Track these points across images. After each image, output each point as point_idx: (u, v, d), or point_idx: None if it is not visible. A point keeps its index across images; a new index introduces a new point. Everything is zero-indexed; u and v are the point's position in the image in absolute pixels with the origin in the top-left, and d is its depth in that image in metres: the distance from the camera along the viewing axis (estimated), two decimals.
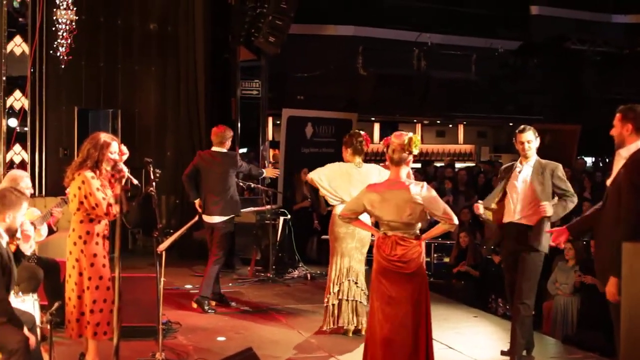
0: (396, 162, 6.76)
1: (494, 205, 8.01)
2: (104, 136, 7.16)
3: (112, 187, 7.02)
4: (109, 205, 6.88)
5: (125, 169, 7.09)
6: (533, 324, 8.19)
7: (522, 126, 7.93)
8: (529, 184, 7.75)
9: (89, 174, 6.94)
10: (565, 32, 22.18)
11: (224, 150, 10.35)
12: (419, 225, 6.72)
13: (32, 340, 5.89)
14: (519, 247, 7.79)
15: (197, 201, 10.32)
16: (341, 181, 8.77)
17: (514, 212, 7.82)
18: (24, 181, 8.10)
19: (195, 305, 10.00)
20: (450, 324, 9.59)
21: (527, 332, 7.92)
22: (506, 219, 7.92)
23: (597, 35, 22.81)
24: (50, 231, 8.48)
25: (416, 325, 6.59)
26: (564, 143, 19.39)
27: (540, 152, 7.93)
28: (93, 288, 7.00)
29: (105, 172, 7.07)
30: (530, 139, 7.80)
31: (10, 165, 12.74)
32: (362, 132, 9.05)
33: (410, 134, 6.82)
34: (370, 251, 8.25)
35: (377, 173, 8.69)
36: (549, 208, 7.56)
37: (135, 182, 7.14)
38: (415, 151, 6.75)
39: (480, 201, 8.27)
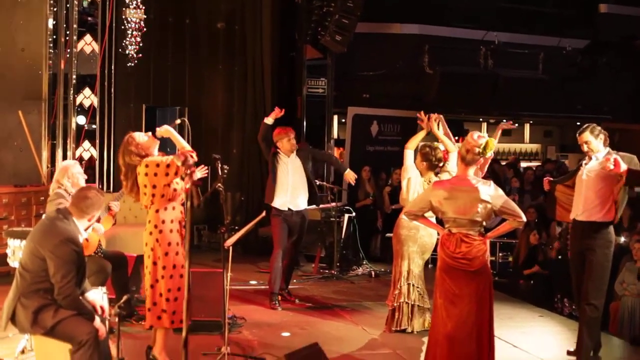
0: (468, 162, 6.74)
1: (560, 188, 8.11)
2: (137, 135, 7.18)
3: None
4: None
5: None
6: (600, 324, 8.09)
7: (583, 127, 7.82)
8: (593, 178, 7.66)
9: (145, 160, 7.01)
10: (634, 31, 21.80)
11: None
12: (484, 223, 6.70)
13: (102, 331, 5.96)
14: (585, 245, 7.72)
15: None
16: (419, 188, 8.76)
17: (578, 209, 7.77)
18: (76, 167, 8.13)
19: None
20: (515, 323, 9.53)
21: (594, 333, 7.84)
22: (572, 215, 7.87)
23: None
24: None
25: (479, 324, 6.57)
26: (633, 142, 19.11)
27: None
28: (167, 277, 6.98)
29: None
30: (587, 139, 7.70)
31: (79, 162, 12.96)
32: (442, 148, 9.00)
33: (489, 138, 6.80)
34: (434, 249, 8.25)
35: None
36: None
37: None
38: (489, 154, 6.79)
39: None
